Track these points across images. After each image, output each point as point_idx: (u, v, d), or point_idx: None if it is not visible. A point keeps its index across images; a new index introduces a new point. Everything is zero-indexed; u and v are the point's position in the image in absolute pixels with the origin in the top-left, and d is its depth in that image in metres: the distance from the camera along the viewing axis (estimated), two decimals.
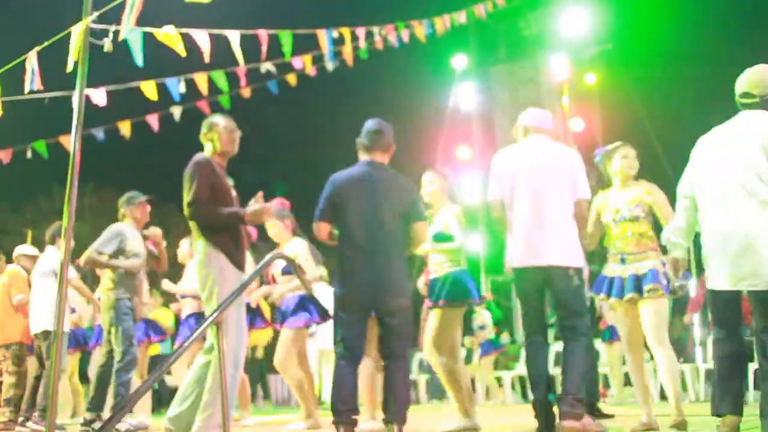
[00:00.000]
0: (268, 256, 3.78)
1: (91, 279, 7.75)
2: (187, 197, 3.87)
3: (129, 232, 5.69)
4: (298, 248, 5.53)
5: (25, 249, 7.08)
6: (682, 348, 11.29)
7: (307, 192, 5.76)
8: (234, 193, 4.11)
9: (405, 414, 3.88)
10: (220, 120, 4.17)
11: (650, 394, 4.44)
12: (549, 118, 4.28)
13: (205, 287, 3.88)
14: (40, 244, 7.21)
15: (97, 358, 6.20)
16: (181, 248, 6.77)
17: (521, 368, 10.35)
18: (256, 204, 3.95)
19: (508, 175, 4.05)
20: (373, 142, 4.08)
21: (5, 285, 6.72)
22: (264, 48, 7.08)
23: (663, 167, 11.29)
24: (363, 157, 4.13)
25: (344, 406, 3.80)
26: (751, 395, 7.96)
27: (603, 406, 6.29)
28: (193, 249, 4.07)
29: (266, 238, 5.80)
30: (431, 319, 4.78)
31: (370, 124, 4.15)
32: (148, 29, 4.18)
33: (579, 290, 3.97)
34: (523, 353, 10.54)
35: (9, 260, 7.12)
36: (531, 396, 4.03)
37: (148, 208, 5.90)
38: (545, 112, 4.32)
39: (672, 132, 13.06)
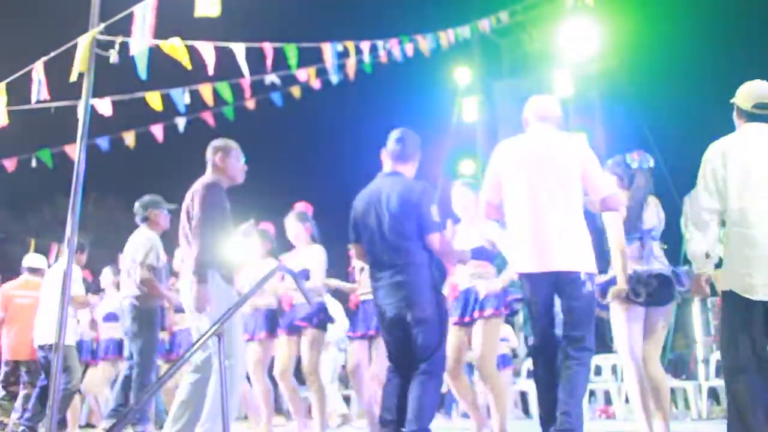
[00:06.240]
0: (270, 269, 3.77)
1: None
2: (199, 241, 3.83)
3: (157, 240, 5.60)
4: (313, 255, 5.34)
5: (41, 261, 6.87)
6: (684, 365, 11.23)
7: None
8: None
9: (420, 423, 3.70)
10: (239, 150, 4.20)
11: (647, 410, 4.13)
12: (552, 103, 3.92)
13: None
14: (42, 253, 7.20)
15: (122, 369, 6.18)
16: (176, 257, 6.68)
17: (521, 383, 10.25)
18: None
19: (502, 171, 3.75)
20: (391, 152, 3.99)
21: (35, 300, 6.33)
22: (269, 60, 7.13)
23: (666, 182, 11.30)
24: (385, 166, 4.04)
25: (389, 415, 3.78)
26: None
27: (606, 423, 6.21)
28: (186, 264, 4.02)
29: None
30: (475, 333, 4.48)
31: (392, 134, 4.02)
32: (154, 41, 4.20)
33: (589, 299, 3.62)
34: (523, 368, 10.51)
35: (12, 267, 7.03)
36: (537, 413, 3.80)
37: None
38: (548, 97, 3.97)
39: (675, 147, 13.08)
